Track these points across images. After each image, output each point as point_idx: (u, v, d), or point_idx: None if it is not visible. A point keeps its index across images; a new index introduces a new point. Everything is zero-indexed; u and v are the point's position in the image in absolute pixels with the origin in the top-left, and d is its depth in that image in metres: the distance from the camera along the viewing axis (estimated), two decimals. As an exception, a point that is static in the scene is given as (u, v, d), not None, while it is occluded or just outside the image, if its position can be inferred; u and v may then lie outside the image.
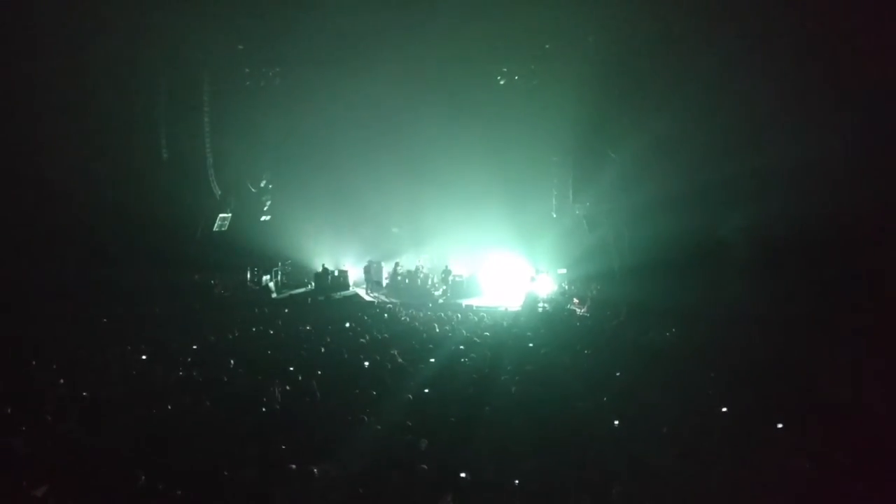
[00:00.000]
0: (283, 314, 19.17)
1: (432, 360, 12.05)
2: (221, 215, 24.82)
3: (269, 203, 27.04)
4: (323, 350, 13.25)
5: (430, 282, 25.64)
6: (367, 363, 11.80)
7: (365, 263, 26.20)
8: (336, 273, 25.73)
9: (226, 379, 10.81)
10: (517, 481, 6.69)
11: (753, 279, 16.34)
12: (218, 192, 24.46)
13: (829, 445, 7.29)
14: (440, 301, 23.60)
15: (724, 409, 8.71)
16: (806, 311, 14.57)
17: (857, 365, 10.59)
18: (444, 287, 24.79)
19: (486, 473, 6.89)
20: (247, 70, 24.44)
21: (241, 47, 23.24)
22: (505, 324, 17.99)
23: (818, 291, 15.08)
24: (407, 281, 25.75)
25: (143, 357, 12.47)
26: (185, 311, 19.31)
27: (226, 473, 6.78)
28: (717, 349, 12.74)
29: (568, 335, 15.44)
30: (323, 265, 25.87)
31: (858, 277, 14.98)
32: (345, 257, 27.45)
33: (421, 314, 19.80)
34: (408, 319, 18.32)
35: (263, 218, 26.81)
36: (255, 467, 6.96)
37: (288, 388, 9.99)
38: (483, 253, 25.71)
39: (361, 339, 14.36)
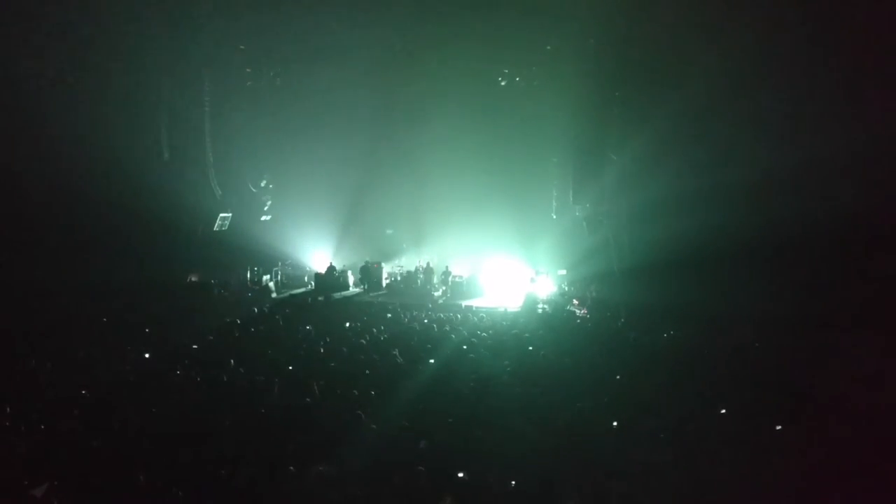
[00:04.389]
0: (283, 314, 19.16)
1: (432, 360, 12.05)
2: (222, 215, 24.86)
3: (269, 203, 27.07)
4: (322, 350, 13.25)
5: (429, 282, 25.64)
6: (366, 363, 11.80)
7: (363, 264, 26.20)
8: (336, 273, 25.73)
9: (225, 378, 10.81)
10: (515, 482, 6.69)
11: (753, 280, 16.35)
12: (218, 191, 24.49)
13: (829, 445, 7.30)
14: (440, 302, 23.60)
15: (724, 410, 8.72)
16: (806, 311, 14.57)
17: (857, 365, 10.59)
18: (444, 288, 24.80)
19: (485, 474, 6.90)
20: (248, 70, 24.47)
21: (241, 47, 23.27)
22: (504, 324, 17.97)
23: (818, 291, 15.09)
24: (407, 281, 25.75)
25: (143, 356, 12.48)
26: (185, 310, 19.32)
27: (225, 473, 6.79)
28: (717, 350, 12.74)
29: (567, 336, 15.42)
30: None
31: (858, 277, 14.99)
32: (345, 258, 27.47)
33: (421, 315, 19.79)
34: (407, 320, 18.31)
35: (264, 218, 26.84)
36: (255, 467, 6.97)
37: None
38: (483, 254, 25.71)
39: (361, 340, 14.36)
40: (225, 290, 23.81)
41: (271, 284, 25.07)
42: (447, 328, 16.78)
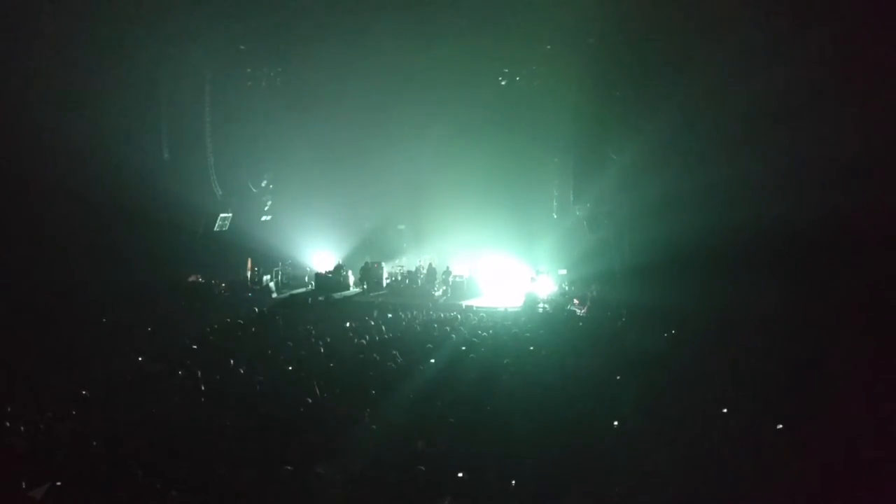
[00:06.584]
0: (284, 314, 19.16)
1: (432, 360, 12.04)
2: (222, 215, 24.86)
3: (269, 203, 27.07)
4: (323, 350, 13.25)
5: (430, 282, 25.62)
6: (366, 363, 11.80)
7: (363, 264, 26.17)
8: (343, 272, 25.67)
9: (226, 379, 10.80)
10: (515, 482, 6.69)
11: (754, 280, 16.32)
12: (219, 191, 24.50)
13: (829, 446, 7.29)
14: (440, 301, 23.59)
15: (724, 410, 8.71)
16: (806, 311, 14.55)
17: (857, 365, 10.58)
18: (445, 287, 24.79)
19: (485, 475, 6.89)
20: (248, 70, 24.47)
21: (242, 47, 23.26)
22: (505, 324, 17.96)
23: (818, 292, 15.06)
24: (407, 281, 25.74)
25: (144, 356, 12.47)
26: (186, 310, 19.32)
27: (224, 474, 6.78)
28: (717, 350, 12.72)
29: (568, 336, 15.40)
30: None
31: (858, 277, 14.96)
32: (345, 257, 27.46)
33: (421, 315, 19.79)
34: (407, 320, 18.31)
35: (264, 218, 26.83)
36: (254, 468, 6.96)
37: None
38: (483, 253, 25.70)
39: (361, 340, 14.36)
40: (225, 290, 23.81)
41: (272, 284, 25.06)
42: (447, 328, 16.77)
